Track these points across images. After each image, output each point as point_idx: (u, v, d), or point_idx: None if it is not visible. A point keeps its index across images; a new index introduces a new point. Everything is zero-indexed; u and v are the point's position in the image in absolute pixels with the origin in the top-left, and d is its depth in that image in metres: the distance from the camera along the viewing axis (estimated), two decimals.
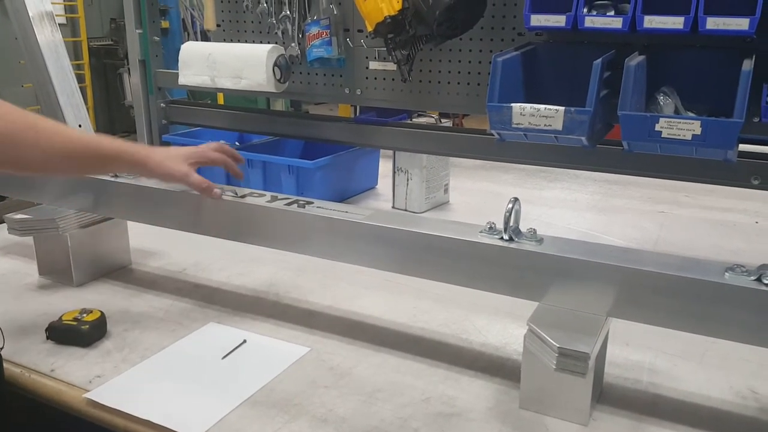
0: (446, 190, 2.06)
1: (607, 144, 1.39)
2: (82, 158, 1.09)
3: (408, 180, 1.95)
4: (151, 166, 1.17)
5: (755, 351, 0.95)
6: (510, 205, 1.03)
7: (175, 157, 1.20)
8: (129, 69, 2.16)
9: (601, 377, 1.06)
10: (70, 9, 6.59)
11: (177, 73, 1.91)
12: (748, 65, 1.11)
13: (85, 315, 1.22)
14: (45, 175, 1.39)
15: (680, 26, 1.15)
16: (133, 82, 2.13)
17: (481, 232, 1.06)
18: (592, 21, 1.22)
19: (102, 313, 1.24)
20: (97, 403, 1.02)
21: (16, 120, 1.00)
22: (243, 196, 1.26)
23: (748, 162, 1.37)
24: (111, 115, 7.29)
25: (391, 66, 1.62)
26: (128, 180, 1.37)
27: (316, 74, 1.79)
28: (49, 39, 2.03)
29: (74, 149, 1.07)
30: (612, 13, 1.22)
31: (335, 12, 1.69)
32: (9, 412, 1.09)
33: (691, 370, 1.12)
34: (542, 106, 1.17)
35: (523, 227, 1.05)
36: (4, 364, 1.11)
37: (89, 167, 1.17)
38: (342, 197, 2.05)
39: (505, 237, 1.03)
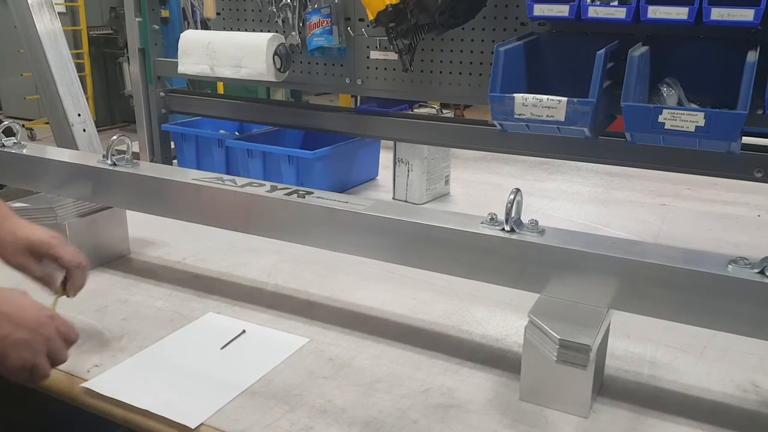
0: (447, 182, 2.05)
1: (609, 136, 1.38)
2: None
3: (409, 171, 1.94)
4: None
5: (757, 344, 0.94)
6: (512, 196, 1.02)
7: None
8: (128, 58, 2.15)
9: (602, 369, 1.05)
10: None
11: (176, 62, 1.90)
12: (752, 57, 1.10)
13: None
14: None
15: (684, 17, 1.14)
16: (132, 71, 2.12)
17: (482, 223, 1.05)
18: (596, 11, 1.21)
19: None
20: (95, 392, 1.01)
21: None
22: (243, 186, 1.25)
23: (751, 155, 1.36)
24: (110, 104, 7.28)
25: (393, 55, 1.61)
26: (126, 169, 1.36)
27: (317, 63, 1.78)
28: (49, 28, 2.01)
29: None
30: (616, 3, 1.21)
31: (336, 0, 1.68)
32: (6, 400, 1.09)
33: (692, 363, 1.11)
34: (545, 97, 1.17)
35: (525, 219, 1.05)
36: None
37: None
38: (342, 188, 2.05)
39: (507, 228, 1.02)
